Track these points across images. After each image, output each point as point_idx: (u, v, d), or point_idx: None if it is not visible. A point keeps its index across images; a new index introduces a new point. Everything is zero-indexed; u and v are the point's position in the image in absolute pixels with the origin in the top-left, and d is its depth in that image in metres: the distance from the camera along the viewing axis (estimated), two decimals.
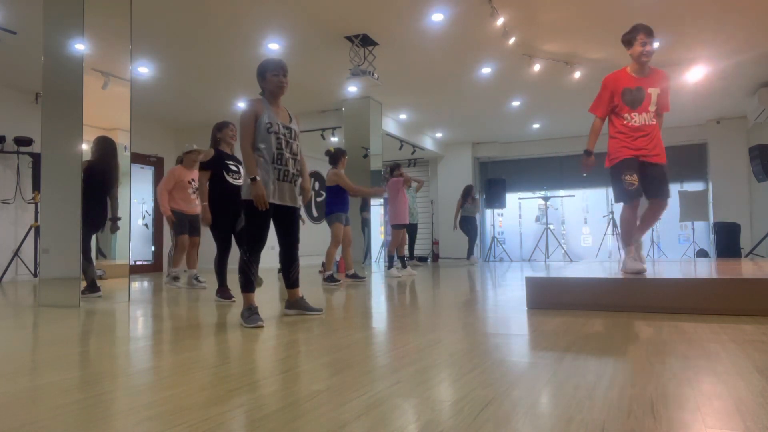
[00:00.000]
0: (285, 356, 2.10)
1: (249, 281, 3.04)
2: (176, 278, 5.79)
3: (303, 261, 11.64)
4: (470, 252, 10.18)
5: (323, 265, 8.73)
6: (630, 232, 3.74)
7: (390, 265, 7.30)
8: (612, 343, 2.23)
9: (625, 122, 3.68)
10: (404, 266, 7.40)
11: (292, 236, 3.22)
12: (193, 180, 5.87)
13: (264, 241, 3.07)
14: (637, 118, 3.66)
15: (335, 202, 6.09)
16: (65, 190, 4.28)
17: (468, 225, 10.24)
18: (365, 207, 8.81)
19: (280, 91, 3.19)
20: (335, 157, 6.18)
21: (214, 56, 6.77)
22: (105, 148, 4.68)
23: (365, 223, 8.89)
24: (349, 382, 1.67)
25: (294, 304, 3.29)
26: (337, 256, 8.98)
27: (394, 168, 7.45)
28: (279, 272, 4.60)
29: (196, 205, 5.81)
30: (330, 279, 5.89)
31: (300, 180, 3.31)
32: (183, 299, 4.55)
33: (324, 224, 13.12)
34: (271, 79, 3.16)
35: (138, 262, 9.03)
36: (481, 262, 10.24)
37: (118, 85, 4.56)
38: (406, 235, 7.56)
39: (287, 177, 3.13)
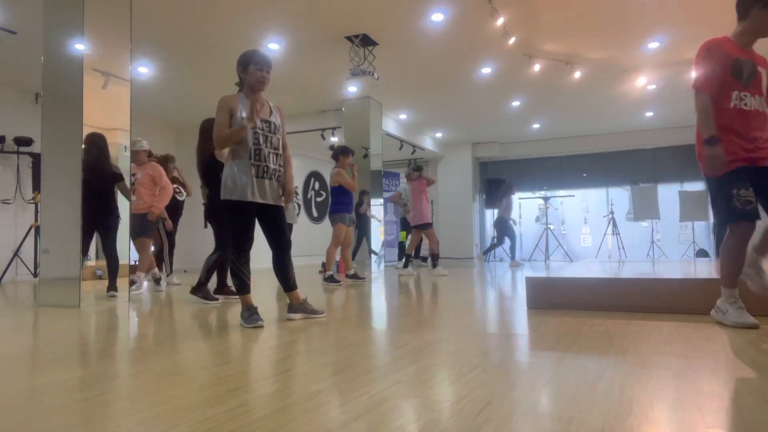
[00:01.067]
0: (285, 356, 2.10)
1: (243, 283, 2.99)
2: (158, 281, 5.64)
3: (303, 261, 11.64)
4: (512, 254, 9.57)
5: (323, 265, 8.74)
6: (737, 267, 2.65)
7: (406, 264, 7.41)
8: (612, 343, 2.23)
9: (733, 104, 2.63)
10: (406, 266, 7.42)
11: (281, 238, 3.10)
12: (133, 175, 5.44)
13: (251, 240, 3.00)
14: (749, 101, 2.63)
15: (340, 202, 6.05)
16: (65, 190, 4.28)
17: (503, 227, 9.63)
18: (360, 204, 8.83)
19: (260, 87, 3.01)
20: (335, 155, 6.14)
21: (214, 56, 6.77)
22: (90, 146, 4.51)
23: (360, 223, 8.91)
24: (349, 382, 1.67)
25: (298, 307, 3.17)
26: (337, 256, 8.99)
27: (417, 168, 7.48)
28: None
29: (134, 203, 5.33)
30: (330, 279, 5.87)
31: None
32: (183, 300, 4.55)
33: (324, 224, 13.13)
34: (254, 73, 3.00)
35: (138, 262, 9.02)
36: (481, 263, 10.21)
37: (118, 85, 4.56)
38: (419, 236, 7.58)
39: (267, 173, 3.01)
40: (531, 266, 9.25)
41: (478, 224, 13.13)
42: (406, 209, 9.33)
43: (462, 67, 7.43)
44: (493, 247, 10.02)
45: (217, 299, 4.24)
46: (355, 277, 6.36)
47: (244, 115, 2.95)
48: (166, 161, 6.53)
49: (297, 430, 1.24)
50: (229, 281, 4.44)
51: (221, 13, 5.62)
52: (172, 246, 6.60)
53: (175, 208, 6.51)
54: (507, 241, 9.85)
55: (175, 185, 6.58)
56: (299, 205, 11.03)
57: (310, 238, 12.40)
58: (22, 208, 7.77)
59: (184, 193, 6.70)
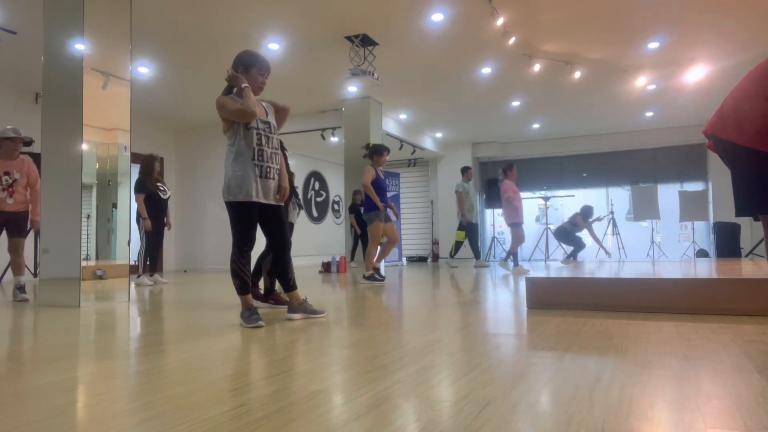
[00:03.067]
0: (285, 356, 2.10)
1: (244, 283, 2.99)
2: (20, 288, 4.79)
3: (303, 261, 11.64)
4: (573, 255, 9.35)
5: (323, 265, 8.74)
6: None
7: (516, 262, 7.50)
8: (612, 343, 2.23)
9: None
10: (516, 264, 7.51)
11: (282, 238, 3.11)
12: (7, 173, 4.75)
13: (252, 241, 3.00)
14: None
15: (372, 200, 5.93)
16: (65, 190, 4.28)
17: (570, 236, 9.21)
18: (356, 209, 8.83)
19: (258, 92, 3.06)
20: (370, 153, 6.03)
21: (214, 56, 6.78)
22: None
23: (361, 224, 8.87)
24: (349, 382, 1.67)
25: (298, 307, 3.18)
26: (337, 256, 8.99)
27: (507, 169, 7.50)
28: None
29: (9, 203, 4.79)
30: (371, 278, 5.80)
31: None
32: (182, 301, 4.55)
33: (324, 224, 13.13)
34: (256, 77, 3.02)
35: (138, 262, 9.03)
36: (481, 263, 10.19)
37: (118, 85, 4.56)
38: (523, 232, 7.59)
39: (269, 174, 3.03)
40: (531, 266, 9.25)
41: (478, 224, 13.13)
42: (467, 209, 9.03)
43: (462, 67, 7.43)
44: (573, 253, 9.29)
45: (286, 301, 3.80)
46: (372, 278, 6.17)
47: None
48: (152, 160, 6.48)
49: (297, 430, 1.24)
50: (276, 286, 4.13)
51: (221, 14, 5.62)
52: (159, 245, 6.57)
53: (159, 208, 6.48)
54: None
55: (159, 183, 6.55)
56: (300, 207, 10.92)
57: (311, 238, 12.40)
58: None
59: (168, 192, 6.66)
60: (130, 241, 4.94)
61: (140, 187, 6.38)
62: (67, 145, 4.29)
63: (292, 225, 8.21)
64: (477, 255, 8.97)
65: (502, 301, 3.91)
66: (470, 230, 8.84)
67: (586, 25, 6.09)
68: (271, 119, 3.12)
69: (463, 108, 9.69)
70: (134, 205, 6.00)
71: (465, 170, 8.99)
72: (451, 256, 8.98)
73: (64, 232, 4.25)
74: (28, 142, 4.93)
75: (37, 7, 5.23)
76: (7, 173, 4.76)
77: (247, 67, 3.02)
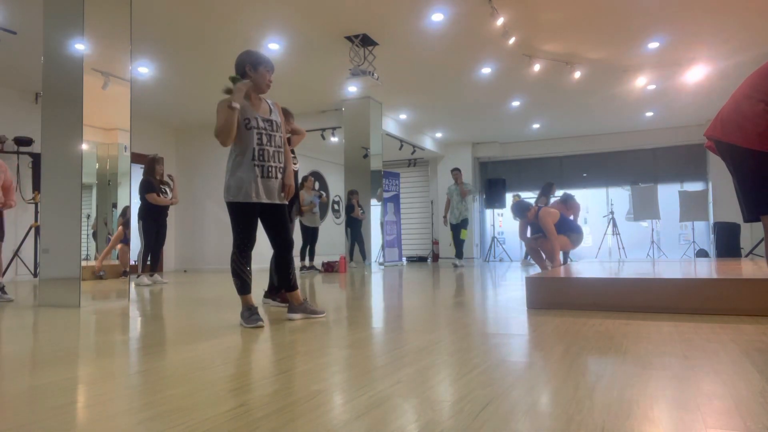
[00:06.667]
0: (285, 356, 2.10)
1: (244, 283, 2.99)
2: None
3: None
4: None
5: (323, 264, 8.74)
6: None
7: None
8: (612, 343, 2.23)
9: None
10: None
11: (284, 236, 3.12)
12: None
13: (252, 240, 3.00)
14: None
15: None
16: (65, 190, 4.28)
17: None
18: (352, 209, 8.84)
19: (266, 90, 3.06)
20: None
21: (214, 56, 6.77)
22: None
23: (353, 226, 8.88)
24: (349, 382, 1.67)
25: (298, 308, 3.18)
26: (336, 257, 8.98)
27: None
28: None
29: None
30: None
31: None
32: (182, 300, 4.54)
33: (324, 225, 13.11)
34: (264, 75, 3.03)
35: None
36: (481, 262, 10.17)
37: (118, 85, 4.56)
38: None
39: (271, 173, 3.02)
40: (531, 266, 9.25)
41: (478, 224, 13.14)
42: (449, 210, 9.53)
43: (462, 67, 7.43)
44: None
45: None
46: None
47: (244, 116, 2.96)
48: (152, 163, 6.45)
49: (297, 430, 1.24)
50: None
51: (221, 14, 5.62)
52: (160, 245, 6.56)
53: (159, 209, 6.46)
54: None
55: (162, 186, 6.53)
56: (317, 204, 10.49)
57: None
58: (22, 208, 7.77)
59: (170, 194, 6.62)
60: (127, 236, 4.93)
61: (149, 187, 6.36)
62: (67, 145, 4.29)
63: (316, 229, 8.44)
64: (456, 254, 9.61)
65: (502, 301, 3.91)
66: (452, 230, 9.56)
67: (586, 25, 6.09)
68: (275, 117, 3.09)
69: (463, 108, 9.69)
70: (135, 206, 5.99)
71: (452, 171, 9.66)
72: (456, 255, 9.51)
73: (64, 232, 4.25)
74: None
75: (37, 7, 5.23)
76: None
77: (255, 66, 3.02)
